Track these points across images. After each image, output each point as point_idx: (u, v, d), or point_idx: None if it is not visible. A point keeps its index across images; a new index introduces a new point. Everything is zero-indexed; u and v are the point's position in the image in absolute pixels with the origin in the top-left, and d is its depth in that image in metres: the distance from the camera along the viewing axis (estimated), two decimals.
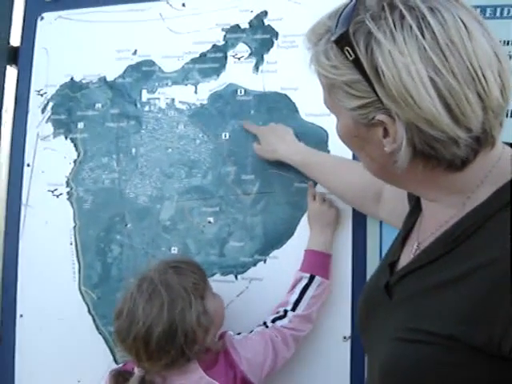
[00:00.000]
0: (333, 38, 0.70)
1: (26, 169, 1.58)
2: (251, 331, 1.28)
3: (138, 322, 1.09)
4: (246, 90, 1.44)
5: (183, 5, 1.51)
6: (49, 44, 1.62)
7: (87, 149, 1.54)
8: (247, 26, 1.46)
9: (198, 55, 1.48)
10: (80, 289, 1.50)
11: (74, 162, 1.55)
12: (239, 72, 1.45)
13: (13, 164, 1.60)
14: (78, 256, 1.51)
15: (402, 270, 0.83)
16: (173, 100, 1.49)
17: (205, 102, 1.47)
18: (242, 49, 1.46)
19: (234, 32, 1.47)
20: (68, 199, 1.54)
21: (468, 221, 0.73)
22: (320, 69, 0.75)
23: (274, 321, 1.27)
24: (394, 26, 0.66)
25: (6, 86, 1.63)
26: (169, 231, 1.45)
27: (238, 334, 1.27)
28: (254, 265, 1.39)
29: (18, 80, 1.63)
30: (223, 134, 1.44)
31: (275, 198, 1.39)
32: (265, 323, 1.28)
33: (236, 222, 1.41)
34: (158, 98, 1.50)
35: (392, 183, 0.86)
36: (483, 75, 0.65)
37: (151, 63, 1.52)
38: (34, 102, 1.60)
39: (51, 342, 1.52)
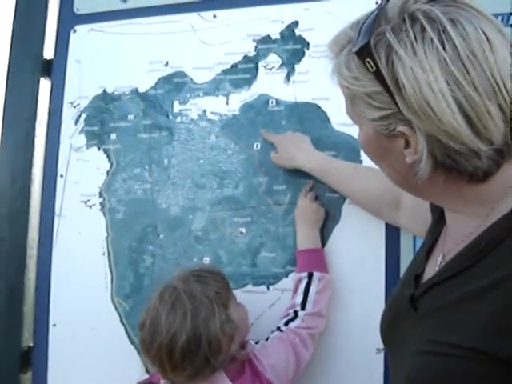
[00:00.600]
0: (354, 50, 0.70)
1: (59, 180, 1.60)
2: (267, 338, 1.27)
3: (162, 331, 1.08)
4: (277, 101, 1.44)
5: (214, 16, 1.52)
6: (81, 56, 1.64)
7: (120, 160, 1.55)
8: (278, 36, 1.46)
9: (229, 66, 1.49)
10: (112, 299, 1.51)
11: (107, 172, 1.56)
12: (270, 82, 1.46)
13: (46, 175, 1.62)
14: (110, 266, 1.52)
15: (427, 283, 0.82)
16: (204, 111, 1.50)
17: (236, 112, 1.47)
18: (273, 59, 1.46)
19: (265, 43, 1.47)
20: (101, 210, 1.55)
21: (492, 232, 0.72)
22: (341, 80, 0.75)
23: (286, 324, 1.27)
24: (415, 38, 0.66)
25: (39, 98, 1.65)
26: (201, 242, 1.45)
27: (256, 342, 1.27)
28: (286, 276, 1.38)
29: (51, 92, 1.65)
30: (255, 145, 1.44)
31: None
32: (278, 328, 1.28)
33: (268, 232, 1.41)
34: (190, 109, 1.51)
35: (414, 194, 0.85)
36: (505, 87, 0.65)
37: (183, 74, 1.53)
38: (67, 114, 1.62)
39: (83, 351, 1.53)
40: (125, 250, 1.52)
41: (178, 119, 1.52)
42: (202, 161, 1.48)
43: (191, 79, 1.52)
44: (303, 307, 1.28)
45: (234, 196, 1.44)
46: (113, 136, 1.57)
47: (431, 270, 0.85)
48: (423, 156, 0.69)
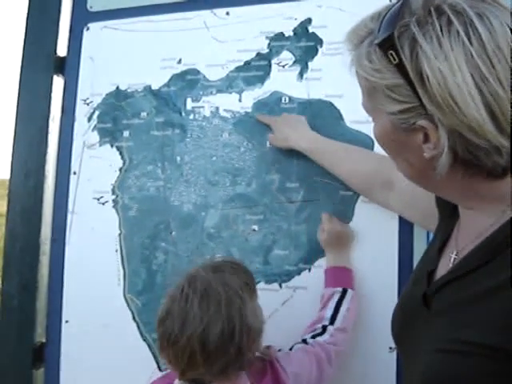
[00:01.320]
0: (376, 41, 0.70)
1: (72, 177, 1.60)
2: (291, 348, 1.23)
3: (194, 320, 1.01)
4: (290, 98, 1.44)
5: (227, 13, 1.52)
6: (94, 54, 1.64)
7: (132, 157, 1.55)
8: (291, 33, 1.46)
9: (242, 63, 1.49)
10: (125, 295, 1.51)
11: (120, 170, 1.56)
12: (283, 80, 1.45)
13: (59, 172, 1.62)
14: (123, 263, 1.52)
15: (441, 280, 0.81)
16: (217, 108, 1.50)
17: (249, 110, 1.47)
18: (286, 56, 1.45)
19: (278, 40, 1.46)
20: (113, 207, 1.55)
21: (507, 230, 0.72)
22: (362, 71, 0.75)
23: (313, 337, 1.24)
24: (441, 31, 0.65)
25: (52, 95, 1.65)
26: (213, 239, 1.45)
27: (278, 350, 1.22)
28: (299, 273, 1.38)
29: (64, 89, 1.66)
30: (267, 142, 1.43)
31: (320, 206, 1.38)
32: (304, 340, 1.23)
33: (280, 230, 1.40)
34: (203, 107, 1.51)
35: (429, 189, 0.85)
36: None
37: (196, 72, 1.53)
38: (80, 111, 1.62)
39: (96, 347, 1.53)
40: (137, 247, 1.52)
41: (191, 116, 1.52)
42: (214, 158, 1.48)
43: (204, 76, 1.52)
44: (332, 321, 1.25)
45: (246, 193, 1.44)
46: (126, 133, 1.57)
47: (444, 267, 0.84)
48: (444, 151, 0.69)
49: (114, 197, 1.56)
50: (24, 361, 1.58)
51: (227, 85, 1.50)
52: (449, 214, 0.92)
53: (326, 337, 1.23)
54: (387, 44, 0.68)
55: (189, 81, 1.53)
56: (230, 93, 1.49)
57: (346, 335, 1.26)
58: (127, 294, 1.51)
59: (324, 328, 1.24)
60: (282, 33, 1.46)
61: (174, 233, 1.49)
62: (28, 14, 1.70)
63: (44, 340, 1.59)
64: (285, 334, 1.34)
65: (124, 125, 1.58)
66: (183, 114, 1.53)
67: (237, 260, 1.27)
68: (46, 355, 1.58)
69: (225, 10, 1.52)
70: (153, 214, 1.52)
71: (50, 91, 1.66)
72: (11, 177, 1.65)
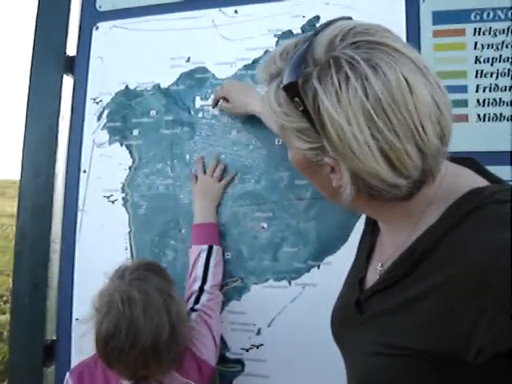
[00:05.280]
0: (282, 86, 0.72)
1: (82, 175, 1.62)
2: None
3: (143, 332, 1.06)
4: None
5: (235, 12, 1.53)
6: (104, 53, 1.65)
7: (142, 155, 1.56)
8: (299, 31, 1.46)
9: (250, 61, 1.49)
10: None
11: (129, 168, 1.57)
12: None
13: (69, 170, 1.64)
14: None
15: (370, 290, 0.86)
16: None
17: None
18: None
19: (286, 38, 1.47)
20: (123, 205, 1.56)
21: (423, 242, 0.76)
22: (273, 112, 0.77)
23: (197, 301, 1.33)
24: (340, 87, 0.68)
25: (62, 94, 1.67)
26: (222, 236, 1.45)
27: None
28: (308, 271, 1.38)
29: (74, 88, 1.67)
30: (276, 140, 1.44)
31: (329, 203, 1.36)
32: (192, 309, 1.32)
33: (289, 227, 1.41)
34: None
35: (345, 206, 0.88)
36: (423, 128, 0.68)
37: (204, 70, 1.53)
38: (90, 110, 1.64)
39: None
40: (147, 245, 1.53)
41: (200, 115, 1.53)
42: (223, 156, 1.49)
43: (213, 75, 1.53)
44: (205, 280, 1.36)
45: (255, 191, 1.45)
46: (135, 132, 1.58)
47: (372, 276, 0.90)
48: (347, 186, 0.74)
49: (123, 195, 1.57)
50: (35, 358, 1.59)
51: None
52: (373, 223, 0.98)
53: (205, 296, 1.34)
54: (292, 91, 0.71)
55: (197, 79, 1.54)
56: None
57: (218, 287, 1.39)
58: None
59: (201, 289, 1.35)
60: (290, 30, 1.47)
61: (183, 230, 1.50)
62: (38, 14, 1.71)
63: (55, 337, 1.60)
64: (294, 330, 1.35)
65: (133, 123, 1.59)
66: (192, 112, 1.53)
67: (144, 259, 1.35)
68: (56, 353, 1.59)
69: (233, 8, 1.53)
70: (162, 211, 1.53)
71: (60, 90, 1.67)
72: (21, 176, 1.66)
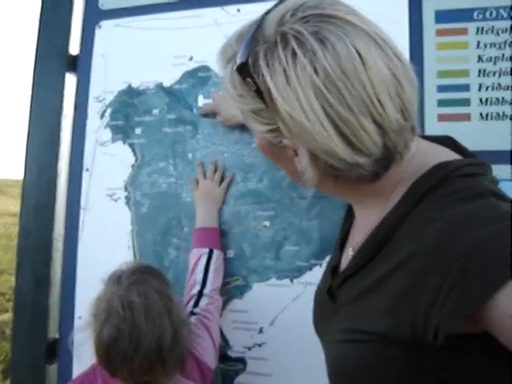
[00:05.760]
0: (234, 68, 0.71)
1: (84, 173, 1.62)
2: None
3: (146, 336, 1.05)
4: None
5: (238, 10, 1.52)
6: (107, 51, 1.65)
7: (145, 154, 1.57)
8: None
9: None
10: None
11: (132, 166, 1.58)
12: None
13: (72, 169, 1.64)
14: (135, 259, 1.53)
15: (341, 276, 0.85)
16: None
17: None
18: None
19: None
20: (126, 203, 1.57)
21: (388, 222, 0.76)
22: (228, 95, 0.76)
23: (196, 304, 1.32)
24: (287, 63, 0.66)
25: (65, 93, 1.67)
26: (224, 235, 1.45)
27: None
28: (310, 269, 1.38)
29: (76, 87, 1.67)
30: None
31: (331, 201, 1.38)
32: (192, 312, 1.30)
33: (292, 225, 1.41)
34: None
35: (314, 189, 0.90)
36: (379, 101, 0.66)
37: (207, 69, 1.54)
38: (93, 109, 1.64)
39: None
40: (149, 243, 1.53)
41: None
42: (226, 154, 1.49)
43: (215, 73, 1.53)
44: (204, 285, 1.34)
45: (257, 189, 1.45)
46: (138, 130, 1.58)
47: (345, 262, 0.89)
48: (308, 168, 0.72)
49: (126, 193, 1.57)
50: (37, 356, 1.60)
51: None
52: (347, 210, 0.98)
53: (204, 300, 1.33)
54: (244, 71, 0.70)
55: (200, 78, 1.54)
56: None
57: (218, 291, 1.38)
58: None
59: (200, 293, 1.34)
60: None
61: (185, 229, 1.50)
62: (41, 12, 1.72)
63: (57, 336, 1.61)
64: (296, 329, 1.35)
65: (136, 122, 1.59)
66: (195, 110, 1.53)
67: (140, 263, 1.34)
68: (59, 351, 1.60)
69: (235, 7, 1.53)
70: (165, 210, 1.53)
71: (63, 89, 1.68)
72: (25, 174, 1.67)
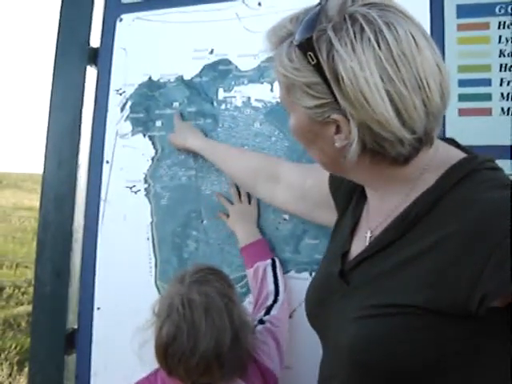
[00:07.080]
0: (296, 43, 0.77)
1: (105, 166, 1.63)
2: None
3: (205, 337, 1.04)
4: None
5: (259, 4, 1.53)
6: (127, 44, 1.66)
7: (165, 146, 1.57)
8: None
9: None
10: (156, 283, 1.54)
11: (152, 159, 1.58)
12: None
13: (92, 161, 1.65)
14: (154, 251, 1.55)
15: (359, 257, 0.89)
16: (249, 98, 1.51)
17: None
18: None
19: None
20: (146, 195, 1.58)
21: (418, 205, 0.82)
22: (282, 69, 0.81)
23: (267, 313, 1.30)
24: (355, 37, 0.73)
25: (86, 85, 1.68)
26: None
27: None
28: None
29: (97, 80, 1.68)
30: None
31: None
32: (260, 320, 1.28)
33: None
34: (235, 97, 1.52)
35: (341, 174, 0.94)
36: (427, 84, 0.75)
37: (228, 62, 1.54)
38: (113, 101, 1.65)
39: (127, 335, 1.54)
40: (169, 235, 1.54)
41: (223, 106, 1.53)
42: (246, 147, 1.49)
43: (236, 67, 1.53)
44: (277, 293, 1.34)
45: None
46: (158, 123, 1.59)
47: (359, 246, 0.92)
48: (354, 141, 0.78)
49: (146, 185, 1.58)
50: (56, 347, 1.61)
51: (259, 75, 1.50)
52: (358, 197, 1.01)
53: (276, 309, 1.31)
54: (306, 46, 0.76)
55: (221, 71, 1.55)
56: (262, 83, 1.50)
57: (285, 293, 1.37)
58: (158, 281, 1.54)
59: (274, 302, 1.33)
60: None
61: (205, 221, 1.51)
62: (62, 6, 1.73)
63: (76, 326, 1.62)
64: None
65: (156, 115, 1.60)
66: (215, 103, 1.54)
67: (205, 264, 1.29)
68: (77, 341, 1.61)
69: (257, 0, 1.53)
70: (184, 202, 1.54)
71: (84, 82, 1.69)
72: (45, 166, 1.68)
